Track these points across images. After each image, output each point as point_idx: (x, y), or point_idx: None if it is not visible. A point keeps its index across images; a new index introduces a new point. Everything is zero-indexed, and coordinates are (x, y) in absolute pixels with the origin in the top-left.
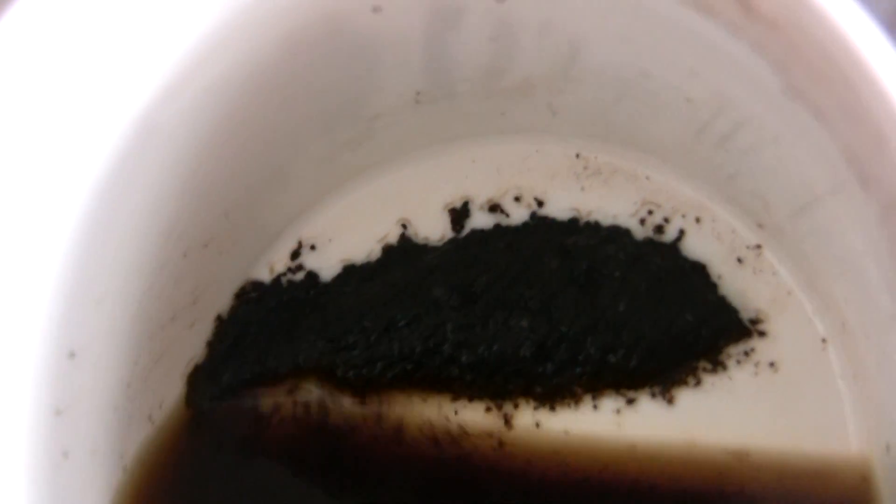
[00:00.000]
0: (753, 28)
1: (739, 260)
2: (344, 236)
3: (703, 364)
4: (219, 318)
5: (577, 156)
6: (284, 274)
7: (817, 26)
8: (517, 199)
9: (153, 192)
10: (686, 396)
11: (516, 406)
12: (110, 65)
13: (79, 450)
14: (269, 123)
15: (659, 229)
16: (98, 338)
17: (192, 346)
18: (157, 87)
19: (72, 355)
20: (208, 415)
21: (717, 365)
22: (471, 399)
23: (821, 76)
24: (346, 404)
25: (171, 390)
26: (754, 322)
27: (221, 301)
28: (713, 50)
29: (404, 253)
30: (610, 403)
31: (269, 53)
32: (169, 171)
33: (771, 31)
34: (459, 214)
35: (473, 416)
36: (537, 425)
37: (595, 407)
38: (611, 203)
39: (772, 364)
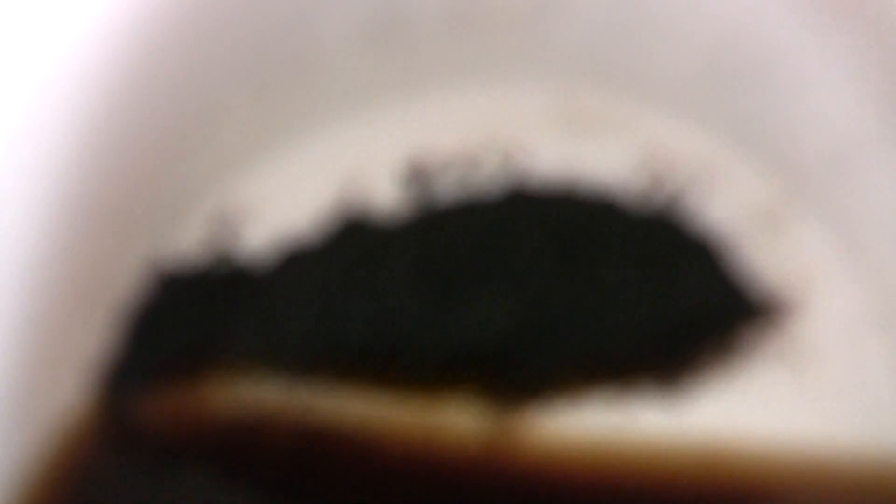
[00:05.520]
0: None
1: (759, 224)
2: (278, 206)
3: (715, 351)
4: (126, 306)
5: (561, 102)
6: (204, 251)
7: None
8: (489, 156)
9: (42, 158)
10: (695, 390)
11: (489, 403)
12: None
13: None
14: (180, 67)
15: (660, 188)
16: None
17: (95, 339)
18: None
19: None
20: (118, 421)
21: (733, 352)
22: (434, 396)
23: None
24: (283, 404)
25: (72, 393)
26: (778, 300)
27: (128, 285)
28: None
29: (352, 225)
30: (602, 398)
31: None
32: (62, 132)
33: None
34: (419, 177)
35: (438, 417)
36: (514, 426)
37: (583, 403)
38: (602, 158)
39: (800, 351)
